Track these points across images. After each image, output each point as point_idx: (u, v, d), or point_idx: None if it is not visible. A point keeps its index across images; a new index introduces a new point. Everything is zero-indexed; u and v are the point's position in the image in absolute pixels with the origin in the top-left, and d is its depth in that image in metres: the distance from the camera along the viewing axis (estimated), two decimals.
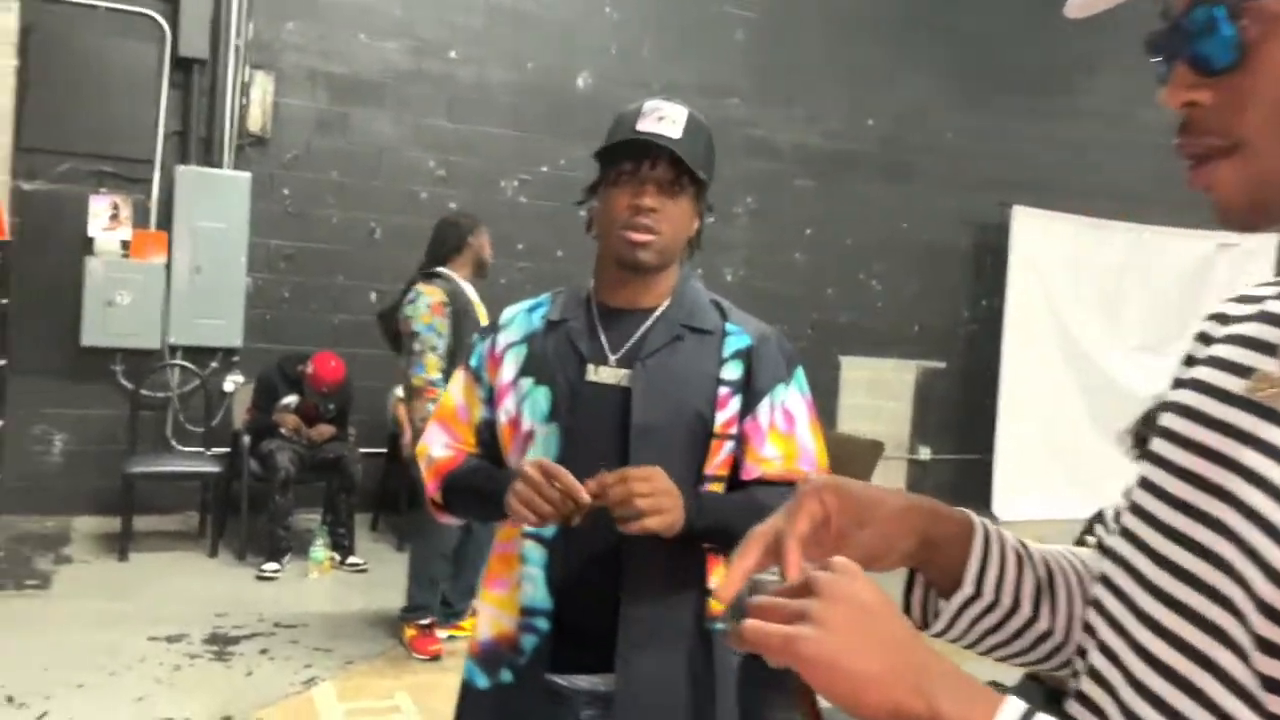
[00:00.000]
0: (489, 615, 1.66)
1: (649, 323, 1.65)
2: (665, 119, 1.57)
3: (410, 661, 4.18)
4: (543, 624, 1.57)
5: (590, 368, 1.62)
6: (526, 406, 1.63)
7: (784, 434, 1.64)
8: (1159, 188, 8.42)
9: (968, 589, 0.83)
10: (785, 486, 1.57)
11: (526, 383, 1.64)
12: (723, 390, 1.62)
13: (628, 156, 1.58)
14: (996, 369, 7.64)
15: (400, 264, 6.08)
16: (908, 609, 0.88)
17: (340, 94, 6.11)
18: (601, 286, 1.68)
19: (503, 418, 1.67)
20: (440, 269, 4.21)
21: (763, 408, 1.64)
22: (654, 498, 1.44)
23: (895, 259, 7.58)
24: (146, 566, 5.12)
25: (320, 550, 5.20)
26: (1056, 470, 7.56)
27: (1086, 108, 8.07)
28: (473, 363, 1.75)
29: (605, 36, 6.58)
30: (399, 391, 5.78)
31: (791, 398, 1.67)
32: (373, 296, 6.00)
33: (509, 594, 1.62)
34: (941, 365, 7.84)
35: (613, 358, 1.63)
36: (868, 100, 7.34)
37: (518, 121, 6.45)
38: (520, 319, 1.73)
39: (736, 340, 1.66)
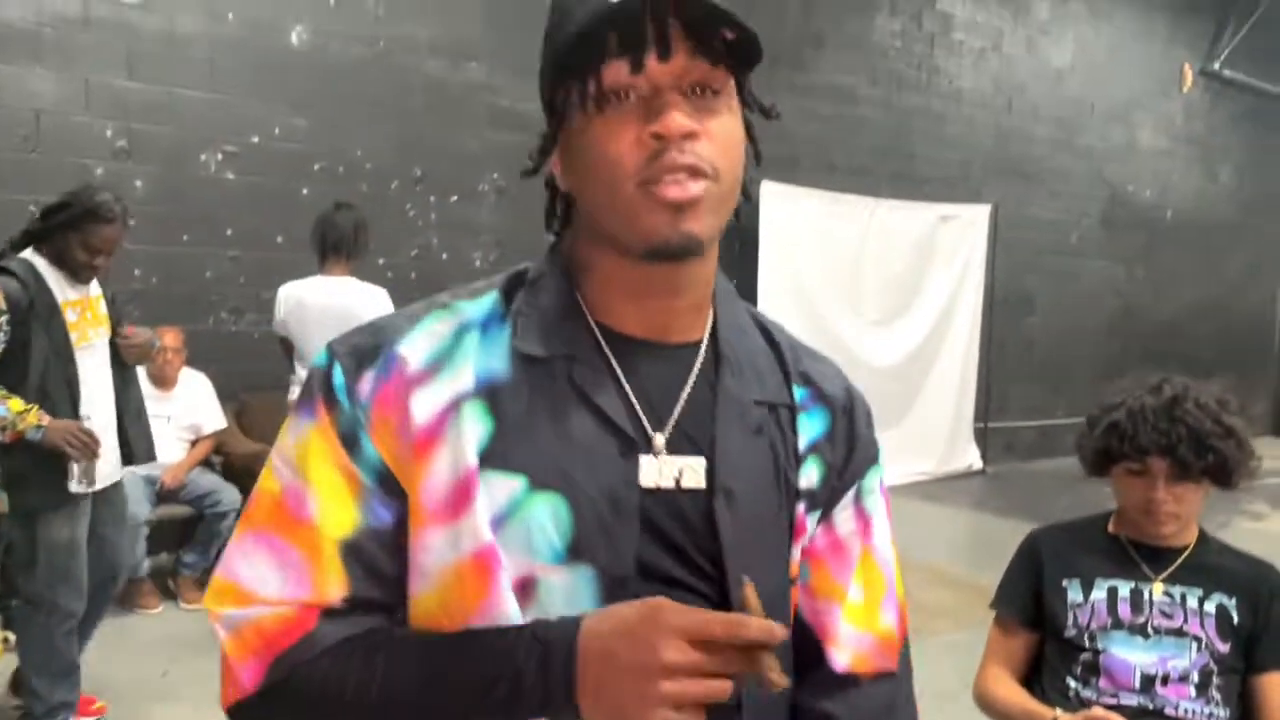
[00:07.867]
0: None
1: (694, 374, 0.90)
2: None
3: None
4: None
5: (646, 460, 0.86)
6: (516, 530, 0.82)
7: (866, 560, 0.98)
8: (880, 161, 8.65)
9: None
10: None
11: (507, 483, 0.82)
12: (799, 509, 0.94)
13: (609, 49, 0.79)
14: None
15: None
16: None
17: None
18: (601, 298, 0.89)
19: (446, 549, 0.83)
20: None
21: (841, 515, 0.98)
22: None
23: None
24: None
25: None
26: None
27: (817, 84, 8.06)
28: (340, 400, 0.85)
29: None
30: None
31: (875, 491, 1.01)
32: None
33: None
34: None
35: (659, 437, 0.87)
36: None
37: (217, 82, 5.38)
38: (436, 326, 0.87)
39: (814, 419, 0.96)
